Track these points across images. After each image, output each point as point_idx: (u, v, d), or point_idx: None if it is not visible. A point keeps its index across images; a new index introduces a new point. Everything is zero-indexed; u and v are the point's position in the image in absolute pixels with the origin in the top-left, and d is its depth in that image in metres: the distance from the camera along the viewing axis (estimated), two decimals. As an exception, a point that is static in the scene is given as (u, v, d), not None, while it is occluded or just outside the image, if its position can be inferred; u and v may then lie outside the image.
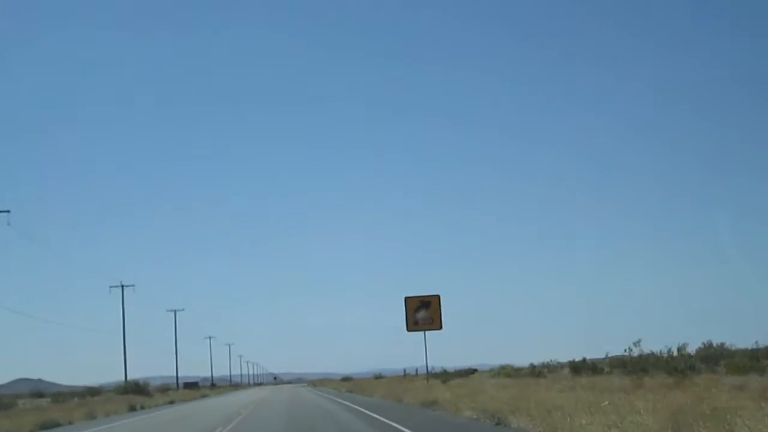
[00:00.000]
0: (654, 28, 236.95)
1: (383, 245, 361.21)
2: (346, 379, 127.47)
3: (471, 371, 59.88)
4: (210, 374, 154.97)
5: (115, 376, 78.96)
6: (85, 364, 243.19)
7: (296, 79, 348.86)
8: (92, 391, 79.99)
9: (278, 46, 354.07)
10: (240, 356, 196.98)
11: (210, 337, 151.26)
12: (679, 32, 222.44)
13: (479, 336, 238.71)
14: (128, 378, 79.04)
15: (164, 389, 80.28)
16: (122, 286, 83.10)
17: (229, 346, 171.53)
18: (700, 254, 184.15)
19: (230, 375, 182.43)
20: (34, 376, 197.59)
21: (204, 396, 77.01)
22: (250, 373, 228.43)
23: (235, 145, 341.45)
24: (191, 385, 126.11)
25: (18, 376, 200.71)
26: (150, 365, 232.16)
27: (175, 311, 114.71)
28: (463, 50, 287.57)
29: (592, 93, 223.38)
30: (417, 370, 69.85)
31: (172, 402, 57.70)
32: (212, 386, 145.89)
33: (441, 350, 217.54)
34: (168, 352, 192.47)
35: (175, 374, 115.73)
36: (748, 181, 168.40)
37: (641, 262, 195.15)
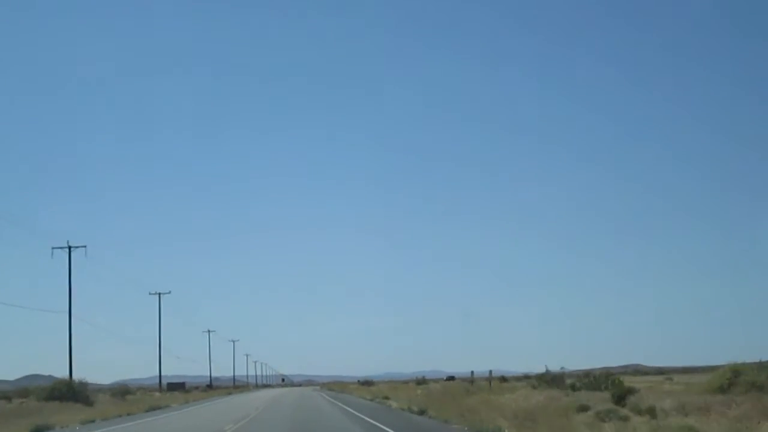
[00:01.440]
0: None
1: (396, 249, 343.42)
2: (367, 382, 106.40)
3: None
4: (209, 373, 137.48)
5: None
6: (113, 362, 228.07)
7: (308, 70, 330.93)
8: (24, 393, 60.63)
9: (277, 41, 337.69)
10: (246, 355, 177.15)
11: (209, 331, 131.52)
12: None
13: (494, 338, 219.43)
14: (77, 375, 55.28)
15: (122, 392, 56.29)
16: (69, 247, 60.23)
17: (233, 342, 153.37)
18: None
19: (234, 375, 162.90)
20: (45, 372, 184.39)
21: (156, 408, 47.29)
22: (258, 373, 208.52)
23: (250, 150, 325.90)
24: (176, 387, 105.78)
25: (29, 372, 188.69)
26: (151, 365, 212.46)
27: (159, 294, 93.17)
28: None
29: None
30: (491, 372, 46.40)
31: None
32: (208, 388, 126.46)
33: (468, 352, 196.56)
34: (170, 355, 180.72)
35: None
36: None
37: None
